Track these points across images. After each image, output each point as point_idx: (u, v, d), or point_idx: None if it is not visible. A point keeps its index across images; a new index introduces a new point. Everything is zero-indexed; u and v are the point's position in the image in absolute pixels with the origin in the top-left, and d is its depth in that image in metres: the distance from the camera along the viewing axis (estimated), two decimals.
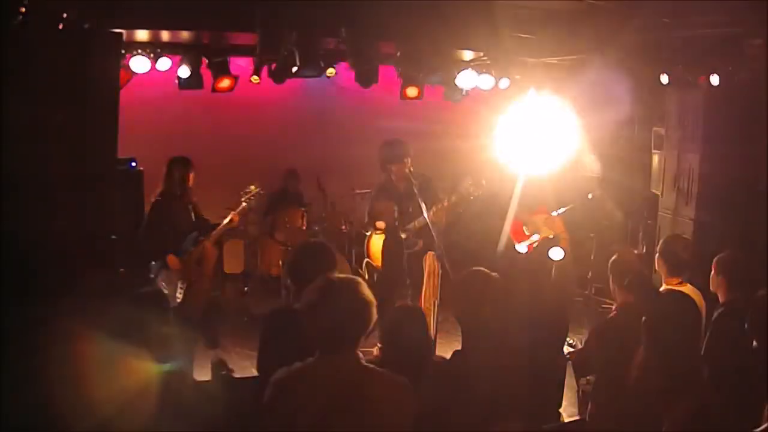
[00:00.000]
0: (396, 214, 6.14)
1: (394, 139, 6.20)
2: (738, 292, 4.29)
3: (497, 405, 3.00)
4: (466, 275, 3.37)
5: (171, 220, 6.15)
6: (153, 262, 6.13)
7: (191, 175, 6.27)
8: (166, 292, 5.95)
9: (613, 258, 4.22)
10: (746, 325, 3.54)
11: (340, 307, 2.67)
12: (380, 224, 6.30)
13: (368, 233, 6.47)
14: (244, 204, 6.43)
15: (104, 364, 3.09)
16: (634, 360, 3.30)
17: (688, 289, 4.45)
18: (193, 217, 6.35)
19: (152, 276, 6.15)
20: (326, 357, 2.69)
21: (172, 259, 6.06)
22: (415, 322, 3.62)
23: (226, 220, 6.34)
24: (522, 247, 6.81)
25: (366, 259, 6.40)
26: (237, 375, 6.03)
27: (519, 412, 3.09)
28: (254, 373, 6.00)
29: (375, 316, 2.75)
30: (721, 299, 4.35)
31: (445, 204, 6.05)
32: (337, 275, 2.84)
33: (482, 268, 3.30)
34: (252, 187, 6.53)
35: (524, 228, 6.87)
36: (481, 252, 5.96)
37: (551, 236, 6.79)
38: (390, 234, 6.20)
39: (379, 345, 3.50)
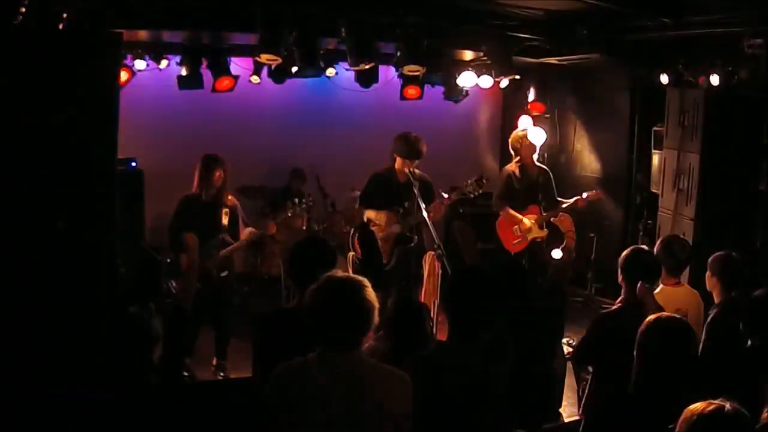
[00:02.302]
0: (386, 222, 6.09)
1: (413, 135, 6.11)
2: (732, 291, 4.30)
3: (475, 399, 3.00)
4: (458, 271, 3.40)
5: (192, 220, 5.91)
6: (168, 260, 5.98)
7: (216, 176, 5.93)
8: (174, 289, 5.93)
9: (625, 252, 4.19)
10: (741, 326, 3.55)
11: (342, 307, 2.68)
12: (372, 216, 6.23)
13: (353, 229, 6.38)
14: (289, 214, 6.20)
15: None
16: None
17: (685, 289, 4.46)
18: (224, 221, 6.03)
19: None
20: (327, 354, 2.71)
21: (184, 259, 5.85)
22: (417, 317, 3.66)
23: (260, 231, 6.11)
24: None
25: (351, 253, 6.29)
26: (237, 375, 6.09)
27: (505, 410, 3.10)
28: None
29: (377, 317, 2.75)
30: (715, 299, 4.35)
31: (445, 201, 6.04)
32: (341, 274, 2.84)
33: (476, 265, 3.31)
34: (297, 200, 6.25)
35: (514, 228, 6.85)
36: None
37: (542, 237, 6.80)
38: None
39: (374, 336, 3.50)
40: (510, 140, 6.98)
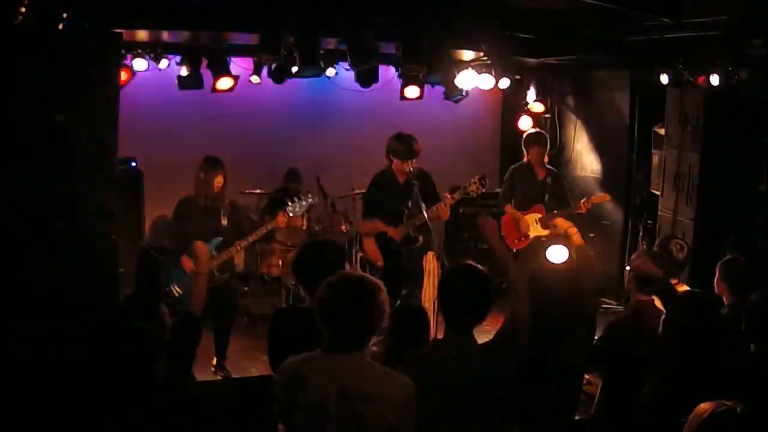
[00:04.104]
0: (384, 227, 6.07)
1: (407, 135, 6.06)
2: (738, 295, 4.30)
3: (473, 397, 3.00)
4: (450, 269, 3.39)
5: (191, 223, 5.89)
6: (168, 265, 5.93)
7: (217, 178, 5.92)
8: (178, 293, 5.91)
9: (634, 255, 4.21)
10: (743, 328, 3.55)
11: (355, 308, 2.68)
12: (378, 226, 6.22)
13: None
14: (290, 213, 6.04)
15: None
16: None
17: (684, 290, 4.46)
18: (224, 222, 6.01)
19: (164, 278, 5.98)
20: (333, 352, 2.71)
21: (185, 261, 5.83)
22: (417, 322, 3.65)
23: (272, 223, 6.04)
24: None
25: (360, 254, 6.28)
26: (237, 375, 6.09)
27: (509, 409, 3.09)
28: (254, 373, 6.04)
29: (386, 316, 2.75)
30: (725, 302, 4.38)
31: (448, 201, 6.03)
32: (357, 274, 2.84)
33: (469, 262, 3.27)
34: (296, 198, 6.16)
35: (517, 227, 6.86)
36: None
37: (545, 237, 6.79)
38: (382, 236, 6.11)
39: (375, 340, 3.50)
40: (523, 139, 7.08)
